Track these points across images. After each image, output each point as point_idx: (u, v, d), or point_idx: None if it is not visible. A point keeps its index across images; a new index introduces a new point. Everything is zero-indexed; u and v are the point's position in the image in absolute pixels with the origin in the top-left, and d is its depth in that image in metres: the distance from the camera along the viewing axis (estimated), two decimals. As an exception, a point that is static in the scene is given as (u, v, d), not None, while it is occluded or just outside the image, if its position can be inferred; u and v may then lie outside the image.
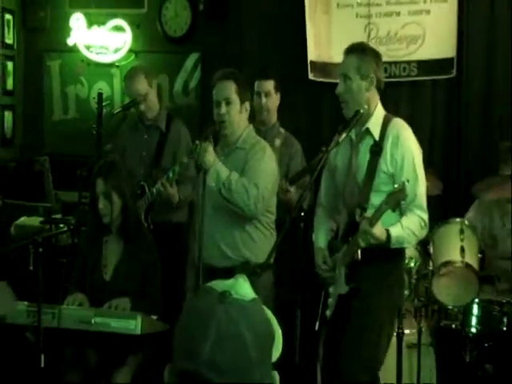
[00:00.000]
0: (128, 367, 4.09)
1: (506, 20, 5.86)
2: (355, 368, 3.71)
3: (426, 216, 3.74)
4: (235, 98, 4.12)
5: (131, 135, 5.39)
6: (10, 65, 7.21)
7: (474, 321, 4.59)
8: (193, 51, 6.86)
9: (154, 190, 4.93)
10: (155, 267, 4.31)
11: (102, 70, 7.11)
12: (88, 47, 7.04)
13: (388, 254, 3.71)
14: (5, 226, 6.18)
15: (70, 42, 7.04)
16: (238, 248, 4.14)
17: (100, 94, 5.79)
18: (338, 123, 3.88)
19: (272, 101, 5.24)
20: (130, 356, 4.11)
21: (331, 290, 3.89)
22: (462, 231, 4.62)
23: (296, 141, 5.33)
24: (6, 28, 7.08)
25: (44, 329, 3.83)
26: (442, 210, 5.21)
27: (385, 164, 3.73)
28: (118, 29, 6.96)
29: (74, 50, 7.08)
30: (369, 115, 3.80)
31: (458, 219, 4.78)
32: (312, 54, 6.25)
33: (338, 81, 3.88)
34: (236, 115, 4.14)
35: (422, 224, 3.73)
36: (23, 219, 6.19)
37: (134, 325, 3.82)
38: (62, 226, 5.64)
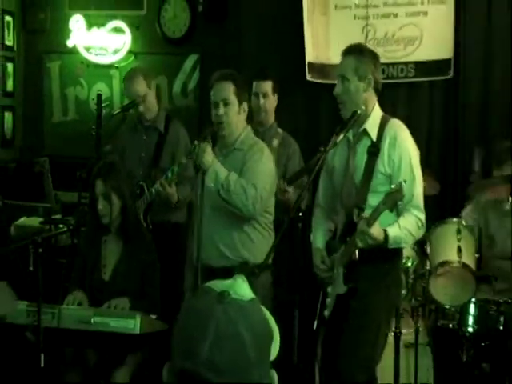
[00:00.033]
0: (127, 366, 4.09)
1: (503, 21, 5.86)
2: (353, 368, 3.71)
3: (423, 216, 3.74)
4: (233, 99, 4.12)
5: (130, 136, 5.39)
6: (10, 66, 7.21)
7: (470, 320, 4.59)
8: (192, 53, 6.86)
9: (153, 190, 4.93)
10: (154, 267, 4.31)
11: (102, 71, 7.11)
12: (87, 49, 7.04)
13: (385, 254, 3.71)
14: (5, 226, 6.18)
15: (70, 43, 7.04)
16: (237, 248, 4.14)
17: (99, 96, 5.79)
18: (336, 124, 3.88)
19: (270, 102, 5.25)
20: (130, 355, 4.11)
21: (329, 289, 3.89)
22: (459, 231, 4.61)
23: (294, 141, 5.33)
24: (5, 30, 7.08)
25: (44, 328, 3.83)
26: (439, 210, 5.21)
27: (382, 165, 3.73)
28: (118, 30, 6.96)
29: (73, 51, 7.08)
30: (366, 116, 3.80)
31: (455, 219, 4.77)
32: (310, 56, 6.25)
33: (335, 82, 3.88)
34: (234, 116, 4.14)
35: (419, 224, 3.73)
36: (23, 219, 6.19)
37: (133, 324, 3.82)
38: (61, 226, 5.64)
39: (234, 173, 4.06)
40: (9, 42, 7.16)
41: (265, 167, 4.15)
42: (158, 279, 4.31)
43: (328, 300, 3.89)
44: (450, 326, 4.67)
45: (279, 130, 5.31)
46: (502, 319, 4.53)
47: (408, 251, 4.54)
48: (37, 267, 3.86)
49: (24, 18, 7.28)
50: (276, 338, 1.57)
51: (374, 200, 3.67)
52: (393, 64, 6.03)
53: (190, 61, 6.87)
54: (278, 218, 4.33)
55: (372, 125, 3.80)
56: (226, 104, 4.10)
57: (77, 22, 6.99)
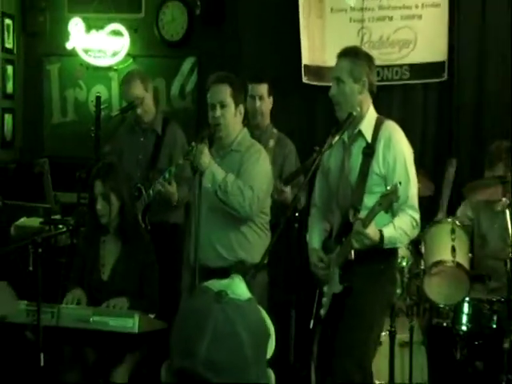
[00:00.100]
0: (126, 365, 4.09)
1: (496, 23, 5.87)
2: (348, 367, 3.71)
3: (417, 216, 3.75)
4: (230, 101, 4.12)
5: (128, 138, 5.39)
6: (9, 69, 7.20)
7: (464, 319, 4.60)
8: (189, 55, 6.86)
9: (151, 192, 4.94)
10: (152, 267, 4.31)
11: (101, 73, 7.10)
12: (86, 51, 7.03)
13: (381, 253, 3.71)
14: (5, 226, 6.17)
15: (69, 46, 7.03)
16: (234, 249, 4.14)
17: (98, 98, 5.79)
18: (332, 125, 3.88)
19: (265, 104, 5.25)
20: (128, 354, 4.10)
21: (325, 289, 3.89)
22: (453, 231, 4.62)
23: (289, 141, 5.34)
24: (5, 32, 7.07)
25: (43, 327, 3.82)
26: (433, 210, 5.20)
27: (377, 166, 3.73)
28: (116, 33, 6.95)
29: (72, 54, 7.07)
30: (361, 118, 3.81)
31: (449, 219, 4.78)
32: (306, 58, 6.25)
33: (331, 84, 3.88)
34: (231, 118, 4.14)
35: (414, 224, 3.73)
36: (23, 220, 6.18)
37: (131, 323, 3.82)
38: (61, 226, 5.64)
39: (231, 174, 4.06)
40: (9, 44, 7.15)
41: (261, 169, 4.15)
42: (156, 279, 4.31)
43: (324, 299, 3.89)
44: (445, 324, 4.68)
45: (275, 131, 5.32)
46: (495, 318, 4.54)
47: (403, 251, 4.54)
48: (36, 267, 3.86)
49: (24, 21, 7.26)
50: (272, 337, 1.57)
51: (369, 201, 3.67)
52: (388, 66, 6.04)
53: (188, 63, 6.87)
54: (274, 219, 4.32)
55: (367, 126, 3.80)
56: (223, 106, 4.10)
57: (76, 25, 6.99)
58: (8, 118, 7.22)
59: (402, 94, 6.15)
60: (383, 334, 4.31)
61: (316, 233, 4.06)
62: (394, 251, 3.87)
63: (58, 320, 3.90)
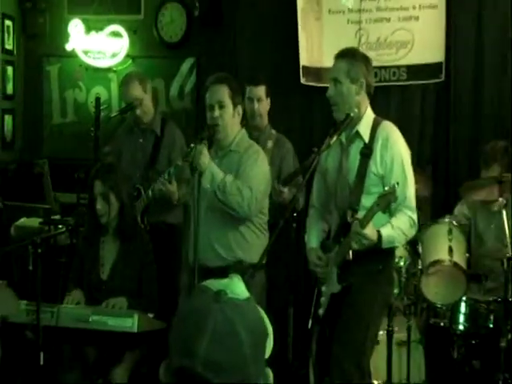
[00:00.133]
0: (125, 364, 4.09)
1: (493, 25, 5.87)
2: (347, 367, 3.71)
3: (415, 216, 3.75)
4: (228, 101, 4.11)
5: (127, 139, 5.39)
6: (9, 70, 7.19)
7: (461, 318, 4.60)
8: (188, 56, 6.85)
9: (150, 192, 4.94)
10: (151, 267, 4.31)
11: (100, 74, 7.10)
12: (86, 52, 7.02)
13: (379, 254, 3.71)
14: (5, 226, 6.17)
15: (69, 47, 7.02)
16: (232, 248, 4.14)
17: (98, 98, 5.79)
18: (329, 126, 3.88)
19: (263, 106, 5.26)
20: (128, 353, 4.10)
21: (324, 288, 3.89)
22: (450, 231, 4.62)
23: (287, 140, 5.34)
24: (5, 34, 7.06)
25: (43, 327, 3.83)
26: (430, 211, 5.21)
27: (375, 166, 3.73)
28: (116, 34, 6.95)
29: (72, 55, 7.06)
30: (359, 118, 3.81)
31: (446, 219, 4.78)
32: (304, 59, 6.25)
33: (329, 85, 3.88)
34: (229, 119, 4.14)
35: (412, 223, 3.73)
36: (23, 220, 6.18)
37: (130, 323, 3.82)
38: (60, 226, 5.63)
39: (229, 174, 4.06)
40: (9, 45, 7.14)
41: (260, 170, 4.15)
42: (155, 279, 4.31)
43: (322, 299, 3.89)
44: (442, 324, 4.69)
45: (273, 132, 5.32)
46: (491, 317, 4.55)
47: (400, 251, 4.55)
48: (36, 267, 3.86)
49: (24, 23, 7.25)
50: (270, 337, 1.57)
51: (367, 201, 3.67)
52: (385, 67, 6.04)
53: (187, 64, 6.86)
54: (273, 219, 4.32)
55: (364, 127, 3.80)
56: (221, 107, 4.10)
57: (75, 27, 6.98)
58: (8, 118, 7.21)
59: (399, 95, 6.15)
60: (381, 333, 4.31)
61: (314, 233, 4.06)
62: (391, 251, 3.87)
63: (58, 319, 3.90)
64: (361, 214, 3.62)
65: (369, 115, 3.85)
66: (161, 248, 4.68)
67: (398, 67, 6.05)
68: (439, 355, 4.69)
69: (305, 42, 6.24)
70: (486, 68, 5.92)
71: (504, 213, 4.45)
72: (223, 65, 6.22)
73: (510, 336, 4.36)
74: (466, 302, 4.59)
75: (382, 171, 3.73)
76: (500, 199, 4.48)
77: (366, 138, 3.78)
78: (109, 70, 7.04)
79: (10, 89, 7.20)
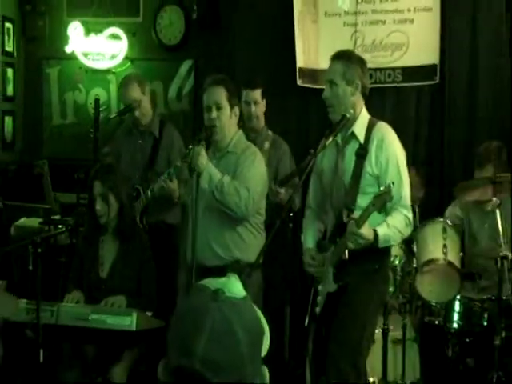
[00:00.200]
0: (124, 363, 4.08)
1: (487, 27, 5.87)
2: (343, 366, 3.70)
3: (410, 215, 3.75)
4: (225, 103, 4.11)
5: (126, 140, 5.39)
6: (10, 72, 7.19)
7: (456, 317, 4.60)
8: (186, 58, 6.85)
9: (149, 193, 4.94)
10: (150, 266, 4.31)
11: (99, 76, 7.10)
12: (85, 54, 7.02)
13: (375, 253, 3.71)
14: (5, 226, 6.17)
15: (68, 49, 7.02)
16: (229, 248, 4.14)
17: (97, 100, 5.79)
18: (325, 127, 3.87)
19: (260, 108, 5.27)
20: (126, 352, 4.10)
21: (320, 287, 3.89)
22: (444, 230, 4.62)
23: (284, 142, 5.35)
24: (6, 36, 7.06)
25: (43, 325, 3.82)
26: (425, 211, 5.20)
27: (370, 166, 3.73)
28: (115, 37, 6.95)
29: (71, 57, 7.06)
30: (354, 119, 3.80)
31: (441, 219, 4.78)
32: (301, 61, 6.25)
33: (324, 87, 3.88)
34: (226, 120, 4.14)
35: (407, 222, 3.73)
36: (23, 220, 6.18)
37: (129, 321, 3.82)
38: (60, 226, 5.62)
39: (227, 175, 4.06)
40: (9, 48, 7.14)
41: (257, 171, 4.15)
42: (153, 278, 4.31)
43: (319, 298, 3.89)
44: (436, 322, 4.68)
45: (270, 133, 5.33)
46: (485, 316, 4.54)
47: (395, 250, 4.55)
48: (36, 266, 3.86)
49: (24, 25, 7.25)
50: (266, 336, 1.57)
51: (362, 201, 3.67)
52: (380, 69, 6.04)
53: (185, 66, 6.87)
54: (269, 219, 4.32)
55: (360, 128, 3.80)
56: (219, 108, 4.10)
57: (75, 29, 6.98)
58: (8, 120, 7.21)
59: (394, 97, 6.15)
60: (376, 331, 4.31)
61: (310, 233, 4.05)
62: (387, 250, 3.87)
63: (58, 318, 3.90)
64: (357, 214, 3.62)
65: (364, 116, 3.85)
66: (160, 247, 4.68)
67: (394, 69, 6.05)
68: (434, 353, 4.68)
69: (301, 44, 6.24)
70: (480, 70, 5.92)
71: (498, 212, 4.45)
72: (221, 67, 6.22)
73: (503, 334, 4.35)
74: (460, 300, 4.59)
75: (378, 171, 3.72)
76: (494, 199, 4.47)
77: (362, 139, 3.78)
78: (108, 71, 7.04)
79: (10, 90, 7.20)
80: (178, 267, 4.48)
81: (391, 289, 4.58)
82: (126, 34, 6.93)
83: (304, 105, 6.33)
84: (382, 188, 3.52)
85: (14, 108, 7.29)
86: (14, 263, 5.77)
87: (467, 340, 4.59)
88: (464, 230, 4.94)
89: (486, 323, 4.54)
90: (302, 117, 6.35)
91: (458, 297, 4.57)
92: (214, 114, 4.10)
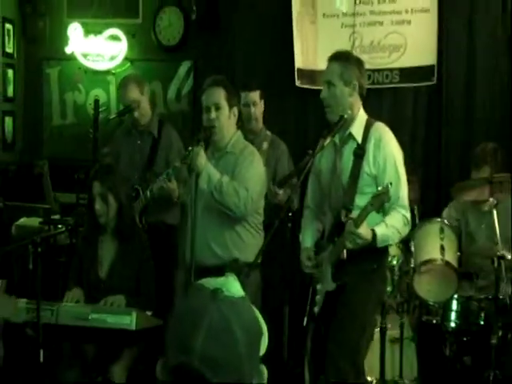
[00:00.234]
0: (123, 361, 4.08)
1: (484, 28, 5.87)
2: (342, 365, 3.70)
3: (408, 214, 3.75)
4: (224, 103, 4.12)
5: (125, 141, 5.39)
6: (10, 72, 7.19)
7: (453, 316, 4.60)
8: (185, 59, 6.85)
9: (148, 193, 4.94)
10: (149, 266, 4.30)
11: (99, 77, 7.10)
12: (85, 55, 7.02)
13: (373, 253, 3.70)
14: (6, 226, 6.17)
15: (68, 50, 7.02)
16: (228, 247, 4.14)
17: (96, 101, 5.78)
18: (324, 128, 3.87)
19: (258, 109, 5.28)
20: (126, 350, 4.10)
21: (319, 287, 3.88)
22: (442, 230, 4.62)
23: (282, 142, 5.36)
24: (6, 37, 7.06)
25: (43, 325, 3.82)
26: (422, 212, 5.20)
27: (368, 166, 3.73)
28: (114, 38, 6.95)
29: (71, 58, 7.06)
30: (352, 120, 3.80)
31: (438, 219, 4.78)
32: (299, 62, 6.25)
33: (322, 87, 3.88)
34: (225, 120, 4.14)
35: (405, 221, 3.73)
36: (23, 220, 6.18)
37: (129, 320, 3.82)
38: (60, 226, 5.63)
39: (226, 175, 4.06)
40: (9, 49, 7.14)
41: (255, 171, 4.16)
42: (152, 277, 4.30)
43: (317, 297, 3.88)
44: (434, 321, 4.68)
45: (268, 133, 5.33)
46: (482, 315, 4.54)
47: (393, 249, 4.55)
48: (36, 266, 3.85)
49: (24, 26, 7.25)
50: (265, 336, 1.57)
51: (361, 201, 3.67)
52: (378, 70, 6.04)
53: (184, 67, 6.86)
54: (268, 219, 4.32)
55: (357, 128, 3.80)
56: (218, 108, 4.11)
57: (75, 30, 6.98)
58: (8, 120, 7.21)
59: (392, 97, 6.15)
60: (374, 330, 4.31)
61: (309, 233, 4.05)
62: (385, 250, 3.86)
63: (58, 317, 3.89)
64: (355, 214, 3.62)
65: (361, 116, 3.84)
66: (159, 247, 4.68)
67: (391, 70, 6.05)
68: (431, 352, 4.69)
69: (300, 45, 6.24)
70: (477, 72, 5.92)
71: (495, 212, 4.45)
72: (220, 68, 6.22)
73: (500, 333, 4.36)
74: (457, 299, 4.59)
75: (375, 171, 3.72)
76: (491, 199, 4.48)
77: (359, 139, 3.78)
78: (107, 72, 7.04)
79: (10, 91, 7.20)
80: (176, 267, 4.47)
81: (389, 288, 4.59)
82: (126, 35, 6.93)
83: (302, 105, 6.33)
84: (379, 188, 3.52)
85: (14, 108, 7.29)
86: (14, 263, 5.77)
87: (464, 339, 4.60)
88: (461, 230, 4.94)
89: (483, 322, 4.54)
90: (301, 117, 6.36)
91: (456, 296, 4.57)
92: (213, 114, 4.10)
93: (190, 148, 4.04)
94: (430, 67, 5.93)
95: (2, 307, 4.03)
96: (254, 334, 1.51)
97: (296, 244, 4.30)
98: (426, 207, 5.28)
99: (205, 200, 4.05)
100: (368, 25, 6.08)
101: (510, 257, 4.41)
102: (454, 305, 4.60)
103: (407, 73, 6.02)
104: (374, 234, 3.60)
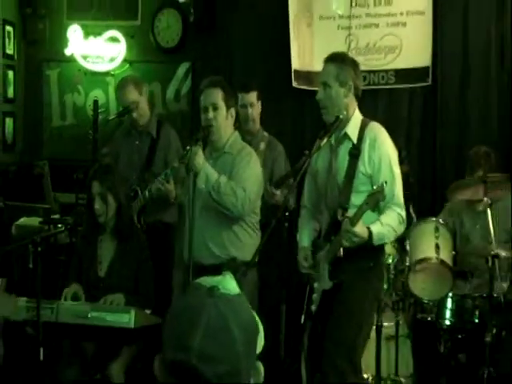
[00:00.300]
0: (122, 359, 4.08)
1: (479, 29, 5.88)
2: (339, 362, 3.70)
3: (403, 212, 3.75)
4: (222, 104, 4.12)
5: (124, 141, 5.38)
6: (10, 74, 7.18)
7: (448, 314, 4.61)
8: (184, 61, 6.86)
9: (147, 193, 4.93)
10: (147, 265, 4.30)
11: (98, 78, 7.10)
12: (85, 57, 7.02)
13: (369, 251, 3.70)
14: (6, 226, 6.16)
15: (68, 52, 7.02)
16: (225, 247, 4.14)
17: (96, 102, 5.79)
18: (320, 128, 3.88)
19: (256, 109, 5.27)
20: (125, 348, 4.09)
21: (316, 285, 3.88)
22: (437, 229, 4.63)
23: (279, 143, 5.35)
24: (6, 39, 7.06)
25: (43, 323, 3.81)
26: (417, 213, 5.20)
27: (363, 166, 3.73)
28: (113, 39, 6.95)
29: (71, 59, 7.06)
30: (347, 120, 3.81)
31: (433, 218, 4.79)
32: (296, 64, 6.26)
33: (318, 88, 3.88)
34: (222, 120, 4.14)
35: (400, 219, 3.74)
36: (23, 220, 6.17)
37: (128, 319, 3.82)
38: (60, 225, 5.61)
39: (223, 175, 4.06)
40: (9, 50, 7.14)
41: (252, 171, 4.16)
42: (151, 276, 4.30)
43: (314, 295, 3.88)
44: (429, 319, 4.69)
45: (265, 134, 5.33)
46: (477, 313, 4.55)
47: (389, 248, 4.55)
48: (36, 265, 3.85)
49: (24, 28, 7.25)
50: (261, 334, 1.57)
51: (356, 199, 3.67)
52: (374, 71, 6.04)
53: (182, 68, 6.87)
54: (264, 219, 4.32)
55: (353, 128, 3.81)
56: (215, 108, 4.11)
57: (74, 32, 6.98)
58: (9, 121, 7.20)
59: (387, 99, 6.16)
60: (370, 328, 4.31)
61: (306, 233, 4.05)
62: (381, 248, 3.86)
63: (57, 316, 3.89)
64: (351, 213, 3.62)
65: (357, 117, 3.85)
66: (157, 246, 4.68)
67: (387, 71, 6.05)
68: (426, 349, 4.69)
69: (297, 46, 6.25)
70: (472, 73, 5.93)
71: (489, 212, 4.46)
72: (218, 69, 6.22)
73: (494, 331, 4.37)
74: (452, 297, 4.60)
75: (370, 171, 3.73)
76: (485, 199, 4.48)
77: (355, 139, 3.78)
78: (107, 74, 7.04)
79: (10, 92, 7.20)
80: (174, 266, 4.47)
81: (385, 286, 4.59)
82: (125, 37, 6.94)
83: (299, 106, 6.34)
84: (375, 187, 3.52)
85: (14, 110, 7.29)
86: (14, 262, 5.76)
87: (459, 336, 4.61)
88: (456, 230, 4.95)
89: (477, 320, 4.55)
90: (297, 118, 6.36)
91: (450, 294, 4.58)
92: (211, 114, 4.11)
93: (188, 147, 4.05)
94: (425, 69, 5.94)
95: (2, 306, 4.02)
96: (251, 331, 1.51)
97: (293, 243, 4.31)
98: (421, 208, 5.27)
99: (203, 200, 4.05)
100: (364, 27, 6.08)
101: (504, 255, 4.42)
102: (449, 303, 4.61)
103: (402, 74, 6.03)
104: (370, 232, 3.60)
